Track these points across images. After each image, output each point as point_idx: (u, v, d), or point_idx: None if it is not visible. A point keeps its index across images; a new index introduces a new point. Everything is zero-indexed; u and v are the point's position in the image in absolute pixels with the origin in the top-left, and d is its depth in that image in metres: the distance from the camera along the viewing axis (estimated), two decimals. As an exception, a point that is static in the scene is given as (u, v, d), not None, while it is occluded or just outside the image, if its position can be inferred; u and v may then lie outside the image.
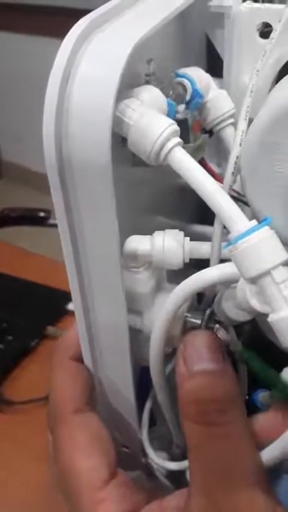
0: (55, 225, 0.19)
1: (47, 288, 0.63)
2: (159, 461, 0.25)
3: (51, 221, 0.77)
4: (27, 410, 0.49)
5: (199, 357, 0.18)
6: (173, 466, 0.25)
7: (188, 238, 0.21)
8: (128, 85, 0.19)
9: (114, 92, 0.17)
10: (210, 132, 0.24)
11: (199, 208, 0.29)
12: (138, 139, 0.17)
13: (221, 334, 0.21)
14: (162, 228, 0.22)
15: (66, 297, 0.21)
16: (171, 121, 0.18)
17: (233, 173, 0.19)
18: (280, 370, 0.23)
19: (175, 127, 0.18)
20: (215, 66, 0.26)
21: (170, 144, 0.17)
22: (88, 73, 0.17)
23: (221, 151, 0.26)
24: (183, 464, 0.25)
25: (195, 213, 0.29)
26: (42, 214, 0.80)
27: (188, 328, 0.22)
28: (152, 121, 0.17)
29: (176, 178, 0.26)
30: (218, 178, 0.21)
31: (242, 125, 0.20)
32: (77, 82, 0.17)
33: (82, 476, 0.20)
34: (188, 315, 0.22)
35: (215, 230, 0.20)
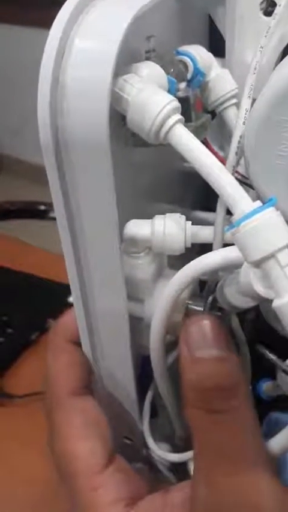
0: (56, 219, 0.19)
1: (47, 281, 0.63)
2: (161, 453, 0.25)
3: (51, 214, 0.77)
4: (28, 404, 0.49)
5: (203, 341, 0.17)
6: (175, 458, 0.25)
7: (190, 222, 0.20)
8: (127, 61, 0.18)
9: (112, 65, 0.16)
10: (212, 113, 0.23)
11: (203, 194, 0.28)
12: (138, 116, 0.17)
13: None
14: (164, 213, 0.21)
15: (67, 290, 0.21)
16: (172, 97, 0.17)
17: (236, 153, 0.19)
18: (285, 360, 0.22)
19: (176, 103, 0.17)
20: (217, 46, 0.25)
21: (170, 121, 0.17)
22: (84, 46, 0.16)
23: (224, 135, 0.25)
24: (186, 456, 0.24)
25: (199, 199, 0.29)
26: (42, 207, 0.80)
27: (190, 316, 0.21)
28: (151, 97, 0.17)
29: (179, 162, 0.25)
30: (221, 160, 0.20)
31: (246, 103, 0.19)
32: (72, 55, 0.16)
33: (79, 461, 0.20)
34: (190, 302, 0.22)
35: (218, 212, 0.19)
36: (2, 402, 0.50)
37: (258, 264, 0.16)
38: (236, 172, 0.21)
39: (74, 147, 0.17)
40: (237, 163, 0.21)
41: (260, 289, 0.17)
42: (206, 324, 0.18)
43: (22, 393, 0.49)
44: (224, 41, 0.25)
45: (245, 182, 0.21)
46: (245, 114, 0.19)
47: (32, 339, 0.55)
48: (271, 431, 0.22)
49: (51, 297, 0.61)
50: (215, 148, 0.23)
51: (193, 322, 0.18)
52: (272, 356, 0.21)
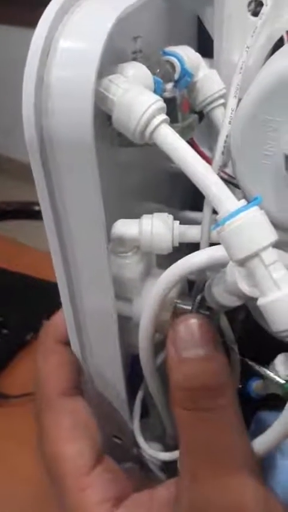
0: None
1: (42, 282, 0.63)
2: (152, 452, 0.25)
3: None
4: (24, 404, 0.49)
5: (189, 341, 0.18)
6: (166, 456, 0.25)
7: (178, 222, 0.20)
8: (112, 61, 0.18)
9: (96, 65, 0.16)
10: (200, 114, 0.23)
11: (190, 194, 0.28)
12: (123, 116, 0.17)
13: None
14: (152, 213, 0.21)
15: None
16: (157, 97, 0.17)
17: (222, 153, 0.19)
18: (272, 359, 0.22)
19: (161, 103, 0.17)
20: (205, 47, 0.25)
21: (155, 121, 0.17)
22: (69, 46, 0.16)
23: (213, 136, 0.25)
24: (177, 455, 0.24)
25: (187, 200, 0.29)
26: (37, 208, 0.79)
27: (178, 314, 0.21)
28: (137, 97, 0.17)
29: (166, 162, 0.25)
30: (208, 160, 0.20)
31: (232, 102, 0.19)
32: (57, 55, 0.16)
33: (67, 462, 0.20)
34: (178, 301, 0.22)
35: (204, 212, 0.19)
36: (-3, 402, 0.50)
37: (242, 263, 0.16)
38: (223, 172, 0.21)
39: (59, 146, 0.17)
40: (225, 163, 0.21)
41: (245, 287, 0.17)
42: (193, 324, 0.18)
43: (18, 393, 0.49)
44: (212, 42, 0.25)
45: (231, 182, 0.21)
46: (231, 113, 0.19)
47: (27, 339, 0.55)
48: (259, 430, 0.23)
49: (46, 298, 0.60)
50: (204, 150, 0.23)
51: (180, 322, 0.18)
52: (253, 364, 0.21)
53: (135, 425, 0.25)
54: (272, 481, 0.24)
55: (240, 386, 0.25)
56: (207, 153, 0.24)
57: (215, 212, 0.19)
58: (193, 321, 0.18)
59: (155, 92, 0.19)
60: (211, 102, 0.22)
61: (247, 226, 0.16)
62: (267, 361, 0.23)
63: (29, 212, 0.82)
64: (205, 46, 0.25)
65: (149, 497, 0.19)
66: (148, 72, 0.18)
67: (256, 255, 0.16)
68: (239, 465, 0.17)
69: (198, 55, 0.23)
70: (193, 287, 0.24)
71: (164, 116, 0.17)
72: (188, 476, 0.17)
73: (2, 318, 0.58)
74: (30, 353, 0.54)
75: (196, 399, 0.17)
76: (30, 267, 0.65)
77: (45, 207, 0.18)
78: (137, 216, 0.21)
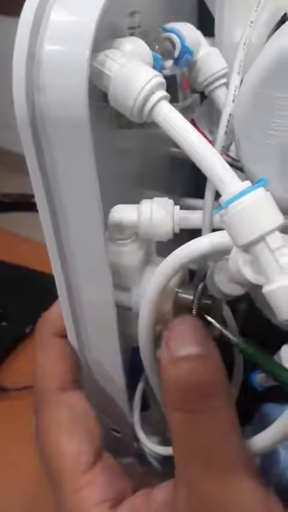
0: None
1: (41, 274, 0.62)
2: (152, 446, 0.24)
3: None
4: (23, 397, 0.48)
5: (183, 342, 0.17)
6: (167, 451, 0.24)
7: (178, 207, 0.20)
8: (108, 37, 0.17)
9: (91, 38, 0.15)
10: (201, 94, 0.22)
11: (192, 182, 0.27)
12: (120, 93, 0.16)
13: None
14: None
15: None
16: (156, 72, 0.16)
17: (225, 132, 0.18)
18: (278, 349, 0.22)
19: (161, 79, 0.16)
20: (206, 26, 0.24)
21: (155, 97, 0.16)
22: (61, 19, 0.15)
23: (214, 119, 0.24)
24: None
25: (188, 187, 0.28)
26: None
27: (179, 305, 0.21)
28: (134, 72, 0.16)
29: (167, 147, 0.24)
30: (210, 142, 0.19)
31: (235, 79, 0.18)
32: (49, 28, 0.15)
33: (65, 459, 0.19)
34: (179, 290, 0.21)
35: (206, 196, 0.18)
36: (-4, 395, 0.49)
37: (247, 248, 0.15)
38: (226, 154, 0.20)
39: (52, 125, 0.16)
40: (228, 145, 0.20)
41: (250, 274, 0.16)
42: (187, 325, 0.17)
43: (17, 386, 0.49)
44: (213, 20, 0.24)
45: (235, 165, 0.20)
46: (234, 91, 0.18)
47: (26, 332, 0.55)
48: (263, 423, 0.22)
49: (45, 290, 0.59)
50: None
51: (175, 323, 0.17)
52: (211, 320, 0.20)
53: (135, 419, 0.24)
54: (272, 472, 0.24)
55: (243, 378, 0.24)
56: (207, 135, 0.23)
57: (217, 199, 0.18)
58: (188, 322, 0.18)
59: (153, 68, 0.17)
60: (212, 82, 0.21)
61: (252, 209, 0.15)
62: (272, 353, 0.22)
63: (27, 204, 0.81)
64: (205, 25, 0.24)
65: (146, 499, 0.19)
66: (146, 47, 0.17)
67: (261, 239, 0.15)
68: (236, 467, 0.16)
69: (199, 32, 0.22)
70: (194, 276, 0.23)
71: (163, 92, 0.16)
72: (184, 485, 0.16)
73: (0, 310, 0.57)
74: (30, 346, 0.54)
75: (187, 399, 0.16)
76: (29, 259, 0.65)
77: (38, 191, 0.17)
78: (135, 203, 0.20)
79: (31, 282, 0.62)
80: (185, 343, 0.17)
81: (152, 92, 0.16)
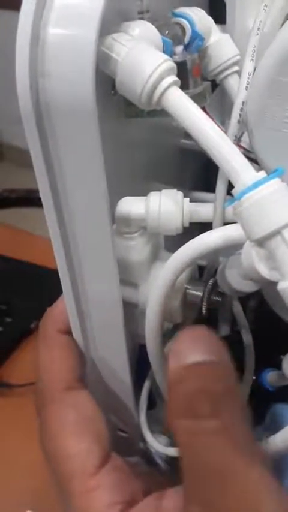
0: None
1: (46, 270, 0.62)
2: (159, 446, 0.23)
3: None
4: (27, 393, 0.48)
5: (192, 350, 0.16)
6: (174, 452, 0.23)
7: (188, 199, 0.19)
8: (116, 20, 0.16)
9: (98, 20, 0.14)
10: (212, 84, 0.21)
11: (203, 175, 0.27)
12: (128, 78, 0.15)
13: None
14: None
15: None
16: (167, 56, 0.15)
17: (238, 121, 0.17)
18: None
19: (171, 63, 0.15)
20: (218, 13, 0.23)
21: (164, 83, 0.15)
22: (67, 1, 0.15)
23: (226, 109, 0.23)
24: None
25: (199, 181, 0.27)
26: (42, 195, 0.78)
27: (188, 301, 0.20)
28: (143, 56, 0.15)
29: (177, 139, 0.23)
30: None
31: (249, 66, 0.17)
32: (54, 11, 0.14)
33: (72, 461, 0.19)
34: (189, 286, 0.20)
35: (218, 186, 0.17)
36: (1, 391, 0.49)
37: (261, 243, 0.15)
38: (239, 145, 0.19)
39: (57, 112, 0.15)
40: (240, 135, 0.19)
41: (264, 270, 0.15)
42: (196, 333, 0.16)
43: (22, 382, 0.48)
44: (224, 6, 0.23)
45: (248, 156, 0.19)
46: (248, 78, 0.17)
47: (31, 327, 0.54)
48: (275, 424, 0.21)
49: (51, 286, 0.59)
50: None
51: (183, 332, 0.16)
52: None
53: (142, 418, 0.24)
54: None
55: (254, 378, 0.23)
56: (219, 125, 0.22)
57: (229, 193, 0.17)
58: (196, 331, 0.17)
59: (163, 53, 0.17)
60: (224, 70, 0.20)
61: (267, 201, 0.14)
62: (284, 352, 0.22)
63: (32, 200, 0.81)
64: (217, 12, 0.23)
65: (156, 504, 0.18)
66: (156, 30, 0.16)
67: (277, 233, 0.14)
68: (247, 473, 0.15)
69: (210, 18, 0.21)
70: (204, 273, 0.22)
71: (174, 78, 0.15)
72: (193, 498, 0.15)
73: (5, 306, 0.57)
74: (35, 342, 0.53)
75: (195, 405, 0.15)
76: (34, 255, 0.64)
77: (42, 182, 0.17)
78: (144, 196, 0.20)
79: (37, 278, 0.61)
80: (195, 351, 0.16)
81: (161, 78, 0.15)
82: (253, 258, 0.15)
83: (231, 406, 0.15)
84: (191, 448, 0.15)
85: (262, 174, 0.14)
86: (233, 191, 0.15)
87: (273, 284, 0.15)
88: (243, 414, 0.15)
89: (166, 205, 0.18)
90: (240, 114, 0.17)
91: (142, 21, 0.17)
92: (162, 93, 0.15)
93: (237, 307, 0.22)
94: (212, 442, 0.15)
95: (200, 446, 0.15)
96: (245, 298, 0.24)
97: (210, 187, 0.20)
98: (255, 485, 0.14)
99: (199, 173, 0.27)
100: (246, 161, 0.15)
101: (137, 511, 0.18)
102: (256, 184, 0.14)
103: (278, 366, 0.22)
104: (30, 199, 0.80)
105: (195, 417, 0.15)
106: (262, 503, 0.14)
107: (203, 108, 0.20)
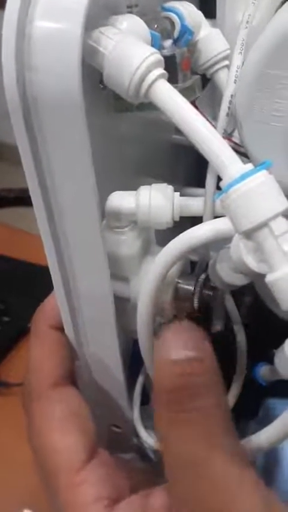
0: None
1: (44, 269, 0.61)
2: (152, 442, 0.23)
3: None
4: (25, 393, 0.48)
5: (176, 346, 0.16)
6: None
7: (178, 193, 0.19)
8: (103, 14, 0.16)
9: (83, 13, 0.14)
10: (203, 79, 0.21)
11: (193, 172, 0.27)
12: (115, 71, 0.15)
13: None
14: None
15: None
16: (154, 50, 0.15)
17: (227, 114, 0.17)
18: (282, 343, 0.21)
19: (158, 56, 0.15)
20: (208, 8, 0.23)
21: (152, 76, 0.15)
22: (53, -7, 0.15)
23: (215, 102, 0.23)
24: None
25: (191, 175, 0.27)
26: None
27: (179, 296, 0.20)
28: (130, 49, 0.15)
29: (168, 134, 0.23)
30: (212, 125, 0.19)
31: (237, 59, 0.17)
32: (40, 4, 0.14)
33: (58, 456, 0.19)
34: (180, 280, 0.20)
35: (208, 181, 0.17)
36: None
37: (249, 235, 0.15)
38: (228, 139, 0.19)
39: (44, 107, 0.15)
40: (232, 130, 0.19)
41: (252, 263, 0.15)
42: (181, 328, 0.16)
43: (19, 381, 0.48)
44: (214, 1, 0.23)
45: (238, 150, 0.19)
46: (236, 71, 0.17)
47: (28, 327, 0.54)
48: (268, 418, 0.21)
49: (48, 285, 0.59)
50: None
51: (169, 327, 0.16)
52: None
53: (135, 414, 0.24)
54: (276, 470, 0.23)
55: (246, 372, 0.24)
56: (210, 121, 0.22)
57: (219, 188, 0.17)
58: (182, 326, 0.17)
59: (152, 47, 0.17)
60: (214, 64, 0.20)
61: (254, 193, 0.14)
62: (276, 346, 0.22)
63: (30, 199, 0.81)
64: (207, 6, 0.23)
65: (142, 502, 0.18)
66: (144, 24, 0.16)
67: (264, 225, 0.14)
68: (229, 472, 0.15)
69: (199, 12, 0.21)
70: (195, 267, 0.22)
71: (161, 70, 0.15)
72: (173, 496, 0.15)
73: (3, 305, 0.57)
74: (32, 341, 0.53)
75: (179, 398, 0.15)
76: (31, 254, 0.64)
77: (30, 177, 0.17)
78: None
79: (34, 277, 0.61)
80: (178, 346, 0.16)
81: (149, 70, 0.15)
82: (241, 251, 0.15)
83: (211, 401, 0.15)
84: (167, 439, 0.15)
85: (249, 166, 0.14)
86: (221, 183, 0.15)
87: (262, 277, 0.15)
88: (224, 409, 0.16)
89: (156, 199, 0.18)
90: (229, 107, 0.17)
91: (130, 15, 0.17)
92: (150, 86, 0.15)
93: (230, 301, 0.22)
94: (186, 433, 0.15)
95: (174, 436, 0.15)
96: (238, 293, 0.24)
97: (202, 182, 0.20)
98: (230, 478, 0.14)
99: (191, 168, 0.27)
100: (234, 154, 0.15)
101: (122, 507, 0.18)
102: (243, 177, 0.14)
103: (271, 361, 0.22)
104: (27, 199, 0.80)
105: (173, 410, 0.15)
106: (235, 494, 0.14)
107: (193, 103, 0.20)
